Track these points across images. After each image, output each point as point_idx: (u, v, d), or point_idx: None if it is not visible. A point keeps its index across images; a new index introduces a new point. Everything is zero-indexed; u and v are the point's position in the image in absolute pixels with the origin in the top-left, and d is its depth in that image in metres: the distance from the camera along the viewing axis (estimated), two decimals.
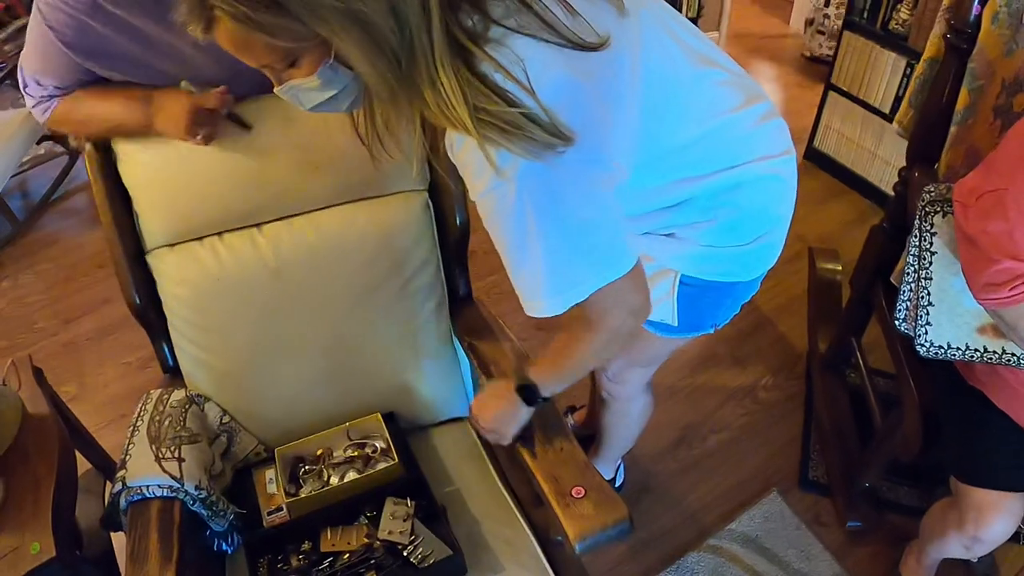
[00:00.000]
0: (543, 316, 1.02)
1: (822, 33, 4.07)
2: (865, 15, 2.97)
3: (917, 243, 1.36)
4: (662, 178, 1.13)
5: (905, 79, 2.84)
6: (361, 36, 0.81)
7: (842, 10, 3.35)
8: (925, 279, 1.34)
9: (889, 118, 2.95)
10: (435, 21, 0.81)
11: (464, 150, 0.92)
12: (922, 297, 1.35)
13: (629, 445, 1.91)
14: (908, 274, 1.39)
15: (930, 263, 1.34)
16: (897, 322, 1.44)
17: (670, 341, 1.43)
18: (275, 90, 0.98)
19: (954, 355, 1.37)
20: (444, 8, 0.82)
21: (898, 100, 2.89)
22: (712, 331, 1.40)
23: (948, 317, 1.35)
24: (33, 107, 1.30)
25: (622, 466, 2.05)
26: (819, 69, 3.96)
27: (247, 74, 0.96)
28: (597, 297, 1.00)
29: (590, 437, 2.08)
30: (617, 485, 2.05)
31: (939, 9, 2.56)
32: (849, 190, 3.23)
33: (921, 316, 1.35)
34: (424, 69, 0.84)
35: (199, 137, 1.28)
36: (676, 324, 1.33)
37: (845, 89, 3.11)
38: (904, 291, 1.40)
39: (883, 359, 2.16)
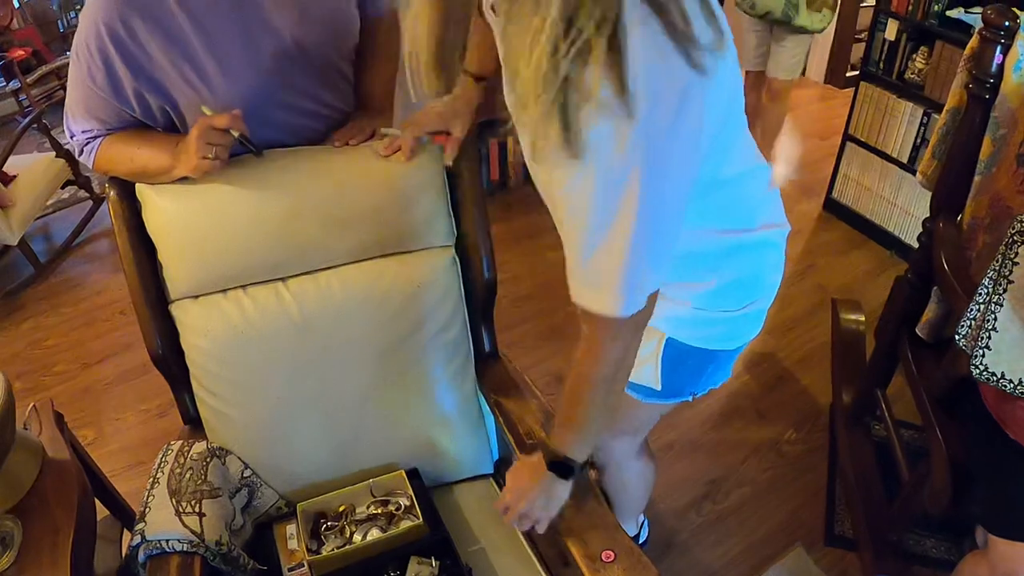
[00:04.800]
0: (606, 313, 0.99)
1: None
2: (881, 65, 2.98)
3: (997, 267, 1.34)
4: (692, 220, 1.10)
5: (922, 128, 2.84)
6: None
7: None
8: (996, 304, 1.32)
9: (907, 167, 2.96)
10: None
11: (583, 117, 0.86)
12: (988, 320, 1.33)
13: (640, 507, 1.89)
14: (980, 294, 1.37)
15: (1004, 290, 1.32)
16: (958, 337, 1.41)
17: (651, 408, 1.41)
18: None
19: (1005, 386, 1.34)
20: None
21: (915, 149, 2.90)
22: (691, 399, 1.39)
23: (1009, 347, 1.33)
24: (80, 155, 1.34)
25: (646, 522, 2.02)
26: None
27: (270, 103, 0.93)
28: (618, 324, 1.00)
29: None
30: (641, 541, 2.02)
31: (955, 59, 2.61)
32: (868, 240, 3.23)
33: (982, 339, 1.33)
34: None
35: (211, 159, 1.23)
36: (659, 388, 1.32)
37: (862, 139, 3.12)
38: (972, 309, 1.38)
39: (907, 410, 2.14)
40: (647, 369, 1.30)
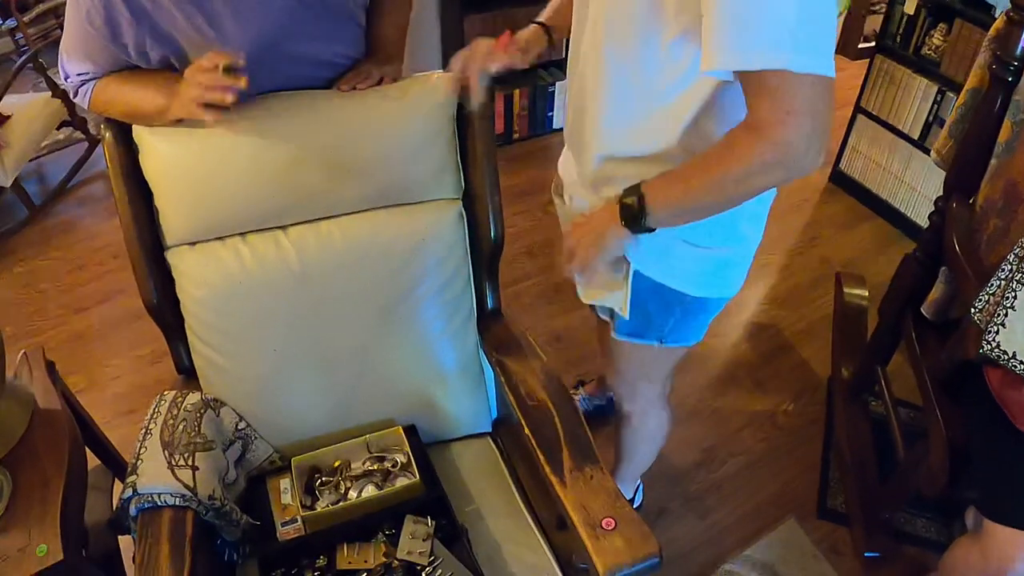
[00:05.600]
0: (774, 68, 0.87)
1: None
2: (898, 39, 2.93)
3: (1022, 247, 1.32)
4: (713, 128, 1.07)
5: (935, 105, 2.80)
6: None
7: None
8: (1017, 283, 1.30)
9: (917, 144, 2.92)
10: None
11: None
12: (1007, 298, 1.31)
13: (648, 463, 1.88)
14: (1003, 270, 1.34)
15: None
16: (973, 311, 1.39)
17: (632, 346, 1.41)
18: None
19: (1015, 366, 1.32)
20: None
21: (927, 127, 2.86)
22: (657, 344, 1.38)
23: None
24: (75, 97, 1.30)
25: (641, 486, 2.02)
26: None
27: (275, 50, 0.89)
28: (797, 87, 0.88)
29: (603, 409, 2.17)
30: (636, 505, 2.02)
31: (974, 37, 2.57)
32: (874, 215, 3.19)
33: (999, 315, 1.32)
34: None
35: (207, 100, 1.16)
36: (628, 317, 1.30)
37: (874, 113, 3.07)
38: (992, 285, 1.36)
39: (905, 388, 2.13)
40: (617, 295, 1.28)
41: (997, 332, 1.32)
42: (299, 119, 1.31)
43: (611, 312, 1.36)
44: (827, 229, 3.13)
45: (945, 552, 1.60)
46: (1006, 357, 1.32)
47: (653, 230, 1.11)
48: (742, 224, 1.23)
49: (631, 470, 1.89)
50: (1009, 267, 1.33)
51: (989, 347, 1.33)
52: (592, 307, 1.47)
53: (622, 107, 1.13)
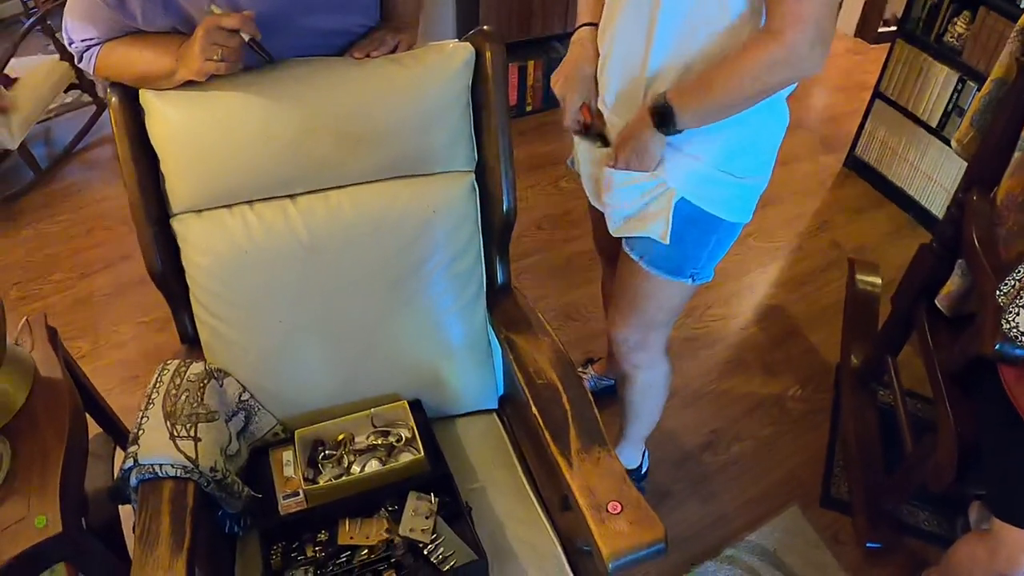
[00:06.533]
0: None
1: None
2: (920, 25, 2.88)
3: None
4: None
5: (956, 94, 2.76)
6: None
7: None
8: None
9: (936, 132, 2.88)
10: None
11: None
12: None
13: (654, 420, 1.89)
14: None
15: None
16: (999, 293, 1.38)
17: (663, 285, 1.49)
18: None
19: None
20: None
21: (946, 115, 2.82)
22: (690, 282, 1.48)
23: None
24: (79, 61, 1.26)
25: (647, 452, 2.02)
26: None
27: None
28: None
29: (611, 389, 2.15)
30: (644, 471, 2.03)
31: (998, 27, 2.52)
32: (888, 201, 3.16)
33: (1022, 297, 1.29)
34: None
35: (216, 61, 1.14)
36: (667, 243, 1.39)
37: (893, 98, 3.03)
38: (1020, 269, 1.35)
39: (914, 379, 2.11)
40: (659, 223, 1.38)
41: (1018, 314, 1.29)
42: (310, 86, 1.28)
43: (644, 254, 1.46)
44: (840, 214, 3.09)
45: (950, 548, 1.59)
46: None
47: (681, 131, 1.26)
48: (768, 157, 1.40)
49: (638, 430, 1.90)
50: None
51: (1009, 326, 1.31)
52: (621, 258, 1.54)
53: (678, 35, 1.24)
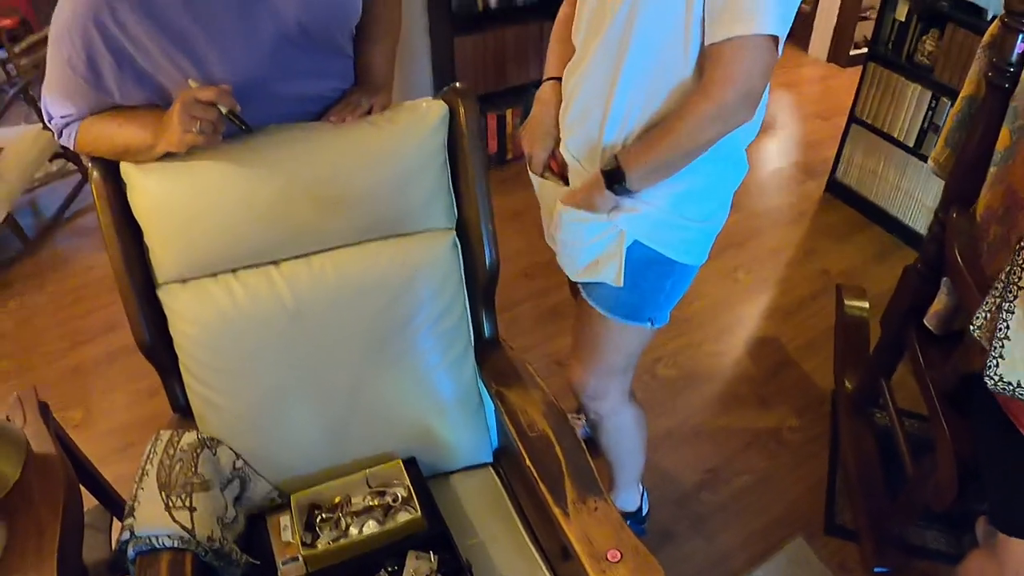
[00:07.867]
0: (754, 30, 1.11)
1: None
2: (890, 46, 2.93)
3: (1007, 274, 1.29)
4: None
5: (930, 112, 2.80)
6: None
7: None
8: (1007, 312, 1.27)
9: (913, 151, 2.91)
10: None
11: None
12: (999, 329, 1.29)
13: (639, 462, 1.88)
14: (993, 293, 1.33)
15: (1015, 296, 1.27)
16: (973, 328, 1.36)
17: (621, 331, 1.51)
18: None
19: (1021, 395, 1.29)
20: None
21: (923, 133, 2.86)
22: (649, 326, 1.50)
23: (1023, 355, 1.29)
24: (59, 137, 1.28)
25: (645, 493, 2.00)
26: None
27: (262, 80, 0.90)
28: (741, 51, 1.12)
29: None
30: (644, 513, 2.01)
31: (967, 43, 2.56)
32: (871, 224, 3.18)
33: (995, 347, 1.29)
34: None
35: (195, 133, 1.15)
36: (622, 285, 1.40)
37: (868, 121, 3.07)
38: (987, 303, 1.34)
39: (909, 397, 2.11)
40: (611, 267, 1.39)
41: (997, 365, 1.29)
42: (288, 153, 1.29)
43: (601, 300, 1.47)
44: (825, 240, 3.12)
45: (958, 565, 1.58)
46: (1011, 387, 1.29)
47: (631, 192, 1.31)
48: (724, 201, 1.44)
49: (624, 474, 1.88)
50: (996, 295, 1.30)
51: (992, 382, 1.30)
52: (579, 303, 1.55)
53: (639, 90, 1.28)
